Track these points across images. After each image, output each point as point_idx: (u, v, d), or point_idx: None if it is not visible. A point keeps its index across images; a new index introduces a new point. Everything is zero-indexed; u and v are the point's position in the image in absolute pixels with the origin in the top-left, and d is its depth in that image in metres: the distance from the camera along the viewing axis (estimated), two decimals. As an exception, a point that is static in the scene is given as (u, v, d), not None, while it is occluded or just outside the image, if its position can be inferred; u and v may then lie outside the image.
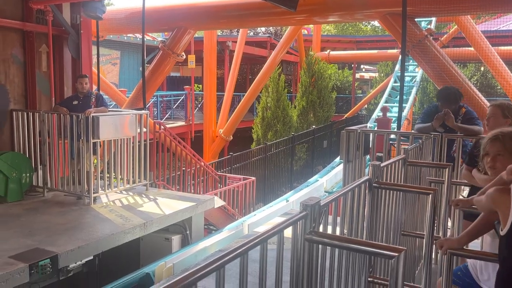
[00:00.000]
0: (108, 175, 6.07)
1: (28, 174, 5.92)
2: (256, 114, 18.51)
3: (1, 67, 6.10)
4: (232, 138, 15.99)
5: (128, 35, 17.71)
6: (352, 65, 27.22)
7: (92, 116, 5.56)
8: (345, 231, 2.14)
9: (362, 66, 32.56)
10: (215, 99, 15.89)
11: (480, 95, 8.89)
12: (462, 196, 4.09)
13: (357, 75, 28.79)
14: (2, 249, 4.04)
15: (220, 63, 19.76)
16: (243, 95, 17.09)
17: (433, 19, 15.24)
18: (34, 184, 6.09)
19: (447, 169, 3.08)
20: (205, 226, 6.98)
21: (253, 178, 9.77)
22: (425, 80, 19.32)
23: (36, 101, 6.48)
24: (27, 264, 3.76)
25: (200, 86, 22.21)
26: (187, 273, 1.01)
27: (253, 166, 11.61)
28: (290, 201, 8.58)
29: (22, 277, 3.72)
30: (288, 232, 1.53)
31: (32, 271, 3.78)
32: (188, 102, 17.44)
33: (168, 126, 9.75)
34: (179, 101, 18.59)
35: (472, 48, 14.74)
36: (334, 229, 2.04)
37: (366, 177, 2.29)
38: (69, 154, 6.00)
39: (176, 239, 5.52)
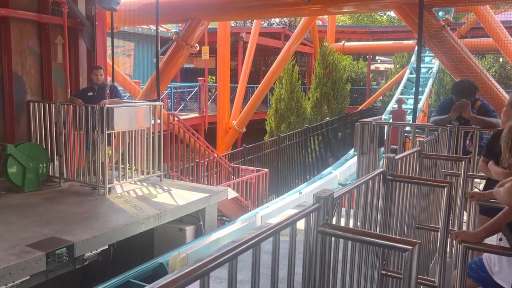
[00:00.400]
0: (123, 166, 6.14)
1: (44, 165, 6.02)
2: (269, 106, 18.47)
3: (18, 59, 6.18)
4: (245, 130, 15.99)
5: (142, 26, 17.77)
6: (367, 56, 26.90)
7: (107, 108, 5.61)
8: (359, 223, 2.13)
9: (377, 57, 32.17)
10: (228, 91, 15.89)
11: (498, 86, 8.72)
12: (478, 189, 4.03)
13: (372, 67, 28.46)
14: (20, 238, 4.12)
15: (233, 55, 19.72)
16: (257, 87, 17.05)
17: (451, 9, 14.92)
18: (50, 174, 6.19)
19: (463, 162, 3.03)
20: (218, 217, 7.02)
21: (266, 170, 9.78)
22: (441, 71, 19.01)
23: (52, 92, 6.56)
24: (44, 253, 3.83)
25: (214, 77, 22.23)
26: (200, 263, 1.02)
27: (266, 158, 11.61)
28: (303, 193, 8.57)
29: (39, 265, 3.80)
30: (300, 224, 1.53)
31: (49, 260, 3.85)
32: (201, 93, 17.48)
33: (181, 117, 9.81)
34: (192, 93, 18.65)
35: (490, 39, 14.43)
36: (347, 222, 2.03)
37: (380, 170, 2.27)
38: (85, 145, 6.08)
39: (189, 230, 5.56)
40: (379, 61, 32.91)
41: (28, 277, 3.76)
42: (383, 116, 12.69)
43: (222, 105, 15.63)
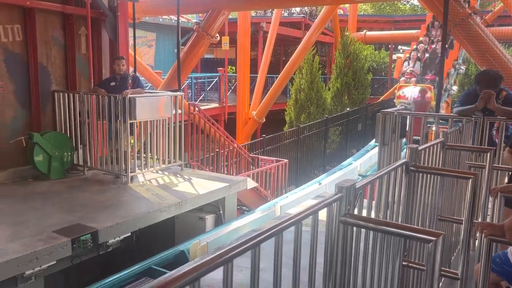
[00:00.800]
0: (145, 155, 6.23)
1: (69, 153, 6.16)
2: (289, 96, 18.39)
3: (43, 49, 6.31)
4: (264, 120, 15.99)
5: (164, 17, 17.86)
6: (389, 46, 26.43)
7: (129, 97, 5.68)
8: (380, 215, 2.12)
9: (399, 47, 31.55)
10: (248, 81, 15.88)
11: (526, 76, 8.46)
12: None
13: (394, 56, 27.93)
14: (47, 224, 4.25)
15: (253, 45, 19.65)
16: (277, 77, 16.99)
17: None
18: (74, 162, 6.34)
19: (488, 153, 2.97)
20: (238, 207, 7.07)
21: (286, 160, 9.77)
22: (467, 61, 18.53)
23: (76, 82, 6.68)
24: (70, 239, 3.94)
25: (234, 68, 22.22)
26: (225, 249, 1.03)
27: (286, 148, 11.59)
28: (323, 184, 8.54)
29: (65, 251, 3.91)
30: (322, 215, 1.53)
31: (74, 245, 3.96)
32: (221, 84, 17.51)
33: (202, 108, 9.85)
34: (212, 83, 18.70)
35: (518, 27, 13.97)
36: (368, 213, 2.02)
37: (403, 160, 2.24)
38: (107, 134, 6.18)
39: (209, 219, 5.63)
40: (401, 50, 32.24)
41: (55, 262, 3.88)
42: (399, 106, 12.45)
43: (242, 95, 15.65)
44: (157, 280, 0.97)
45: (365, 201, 2.11)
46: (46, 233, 4.04)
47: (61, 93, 6.38)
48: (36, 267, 3.71)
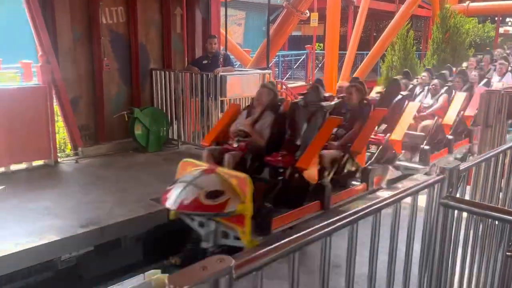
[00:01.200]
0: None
1: (165, 128, 6.56)
2: (380, 74, 17.58)
3: (143, 30, 6.70)
4: (353, 99, 15.50)
5: (252, -5, 17.95)
6: (495, 18, 23.90)
7: (221, 76, 5.84)
8: (484, 200, 1.96)
9: (507, 19, 28.40)
10: (336, 58, 15.44)
11: None
12: None
13: (501, 30, 25.25)
14: (146, 192, 4.61)
15: (343, 20, 18.99)
16: (367, 54, 16.32)
17: None
18: (169, 137, 6.73)
19: None
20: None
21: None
22: None
23: (171, 61, 7.03)
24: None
25: (321, 45, 21.76)
26: (323, 223, 1.03)
27: (375, 128, 11.16)
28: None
29: (162, 218, 4.21)
30: (419, 200, 1.46)
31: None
32: (308, 61, 17.27)
33: (288, 86, 9.84)
34: (299, 61, 18.52)
35: None
36: (471, 197, 1.89)
37: (513, 143, 2.05)
38: (200, 111, 6.45)
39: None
40: (510, 23, 29.03)
41: (153, 228, 4.20)
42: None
43: (329, 73, 15.28)
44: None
45: (467, 187, 1.98)
46: (145, 201, 4.38)
47: (158, 71, 6.77)
48: (139, 230, 4.05)
